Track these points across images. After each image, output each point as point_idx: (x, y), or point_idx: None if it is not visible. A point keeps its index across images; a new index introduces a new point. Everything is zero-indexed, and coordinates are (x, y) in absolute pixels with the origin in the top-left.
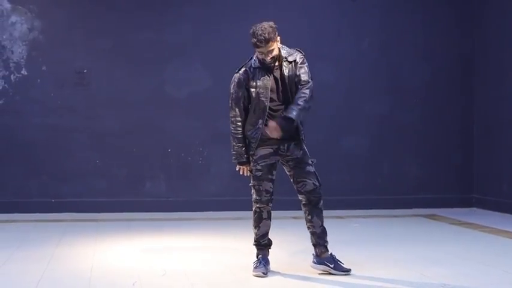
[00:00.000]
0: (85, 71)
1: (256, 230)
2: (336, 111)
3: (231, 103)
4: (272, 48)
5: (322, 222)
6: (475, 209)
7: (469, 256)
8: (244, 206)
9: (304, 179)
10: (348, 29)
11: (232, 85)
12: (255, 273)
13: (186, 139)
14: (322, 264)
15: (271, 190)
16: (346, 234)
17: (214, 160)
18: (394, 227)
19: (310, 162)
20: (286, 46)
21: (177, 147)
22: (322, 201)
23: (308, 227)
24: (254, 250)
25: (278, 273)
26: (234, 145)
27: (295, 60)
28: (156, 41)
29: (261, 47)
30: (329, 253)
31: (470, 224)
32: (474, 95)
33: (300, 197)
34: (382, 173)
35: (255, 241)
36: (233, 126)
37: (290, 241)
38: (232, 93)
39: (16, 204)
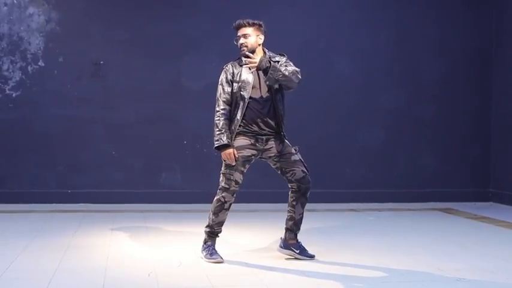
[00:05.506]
0: (102, 62)
1: (213, 217)
2: (352, 104)
3: (218, 98)
4: (245, 33)
5: (303, 211)
6: (491, 203)
7: (485, 251)
8: (260, 198)
9: (293, 168)
10: (365, 22)
11: (220, 81)
12: (214, 261)
13: (202, 131)
14: (288, 249)
15: (240, 182)
16: (359, 226)
17: None
18: (410, 220)
19: (294, 151)
20: (303, 39)
21: (193, 139)
22: (309, 192)
23: (288, 211)
24: (271, 242)
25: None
26: (216, 131)
27: (278, 61)
28: (173, 33)
29: (235, 29)
30: (296, 240)
31: (487, 219)
32: (492, 88)
33: (290, 185)
34: (398, 167)
35: (209, 227)
36: (217, 118)
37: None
38: (220, 89)
39: (33, 195)
